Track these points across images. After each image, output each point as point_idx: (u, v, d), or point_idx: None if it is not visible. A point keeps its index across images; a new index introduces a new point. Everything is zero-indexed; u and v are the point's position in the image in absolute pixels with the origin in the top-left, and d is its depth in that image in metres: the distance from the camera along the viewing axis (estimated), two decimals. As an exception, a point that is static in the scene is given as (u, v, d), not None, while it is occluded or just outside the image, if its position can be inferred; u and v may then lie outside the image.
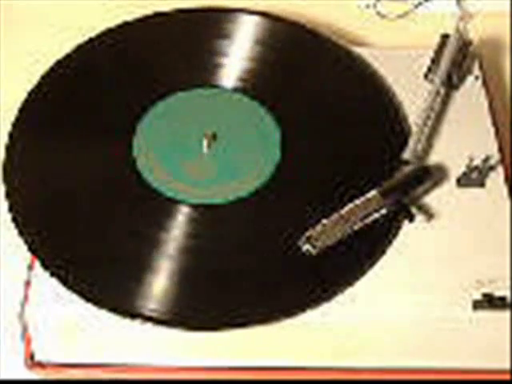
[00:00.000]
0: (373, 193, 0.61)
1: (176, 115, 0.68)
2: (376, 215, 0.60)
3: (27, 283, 0.60)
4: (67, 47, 0.71)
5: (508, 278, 0.59)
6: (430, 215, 0.63)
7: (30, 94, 0.68)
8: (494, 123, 0.69)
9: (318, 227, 0.59)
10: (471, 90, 0.71)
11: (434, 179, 0.64)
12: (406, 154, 0.64)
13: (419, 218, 0.62)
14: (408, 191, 0.61)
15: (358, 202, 0.60)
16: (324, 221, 0.59)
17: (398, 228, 0.62)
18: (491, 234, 0.62)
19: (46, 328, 0.60)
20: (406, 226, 0.62)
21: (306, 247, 0.58)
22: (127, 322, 0.57)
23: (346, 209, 0.60)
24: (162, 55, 0.72)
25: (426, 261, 0.60)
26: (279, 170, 0.65)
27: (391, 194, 0.60)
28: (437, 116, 0.69)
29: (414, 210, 0.61)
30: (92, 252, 0.60)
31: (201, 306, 0.58)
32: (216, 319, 0.57)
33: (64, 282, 0.58)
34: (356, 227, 0.60)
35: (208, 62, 0.71)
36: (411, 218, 0.60)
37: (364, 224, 0.60)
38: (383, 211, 0.60)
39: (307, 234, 0.59)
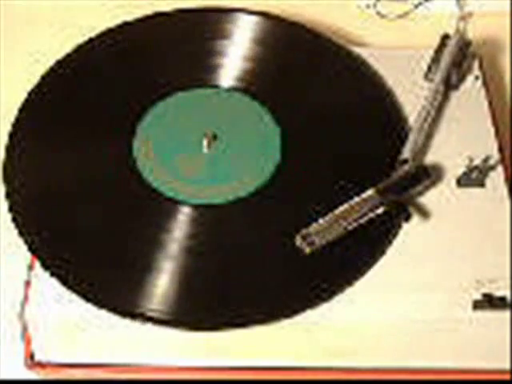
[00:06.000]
0: (370, 192, 0.61)
1: (176, 115, 0.68)
2: (373, 214, 0.60)
3: (27, 283, 0.60)
4: (67, 47, 0.71)
5: (508, 278, 0.59)
6: (426, 214, 0.62)
7: (29, 94, 0.68)
8: (494, 123, 0.69)
9: (315, 225, 0.59)
10: (471, 89, 0.71)
11: (432, 179, 0.64)
12: (405, 154, 0.64)
13: (419, 218, 0.62)
14: (405, 190, 0.61)
15: (355, 200, 0.60)
16: (320, 219, 0.59)
17: (398, 228, 0.62)
18: (491, 234, 0.62)
19: (46, 328, 0.60)
20: (406, 226, 0.62)
21: (302, 245, 0.58)
22: (127, 322, 0.57)
23: (343, 207, 0.60)
24: (162, 55, 0.72)
25: (426, 261, 0.60)
26: (279, 170, 0.65)
27: (388, 193, 0.60)
28: (436, 116, 0.69)
29: (411, 209, 0.61)
30: (92, 252, 0.60)
31: (201, 306, 0.58)
32: (216, 319, 0.57)
33: (64, 282, 0.58)
34: (353, 226, 0.60)
35: (208, 61, 0.71)
36: (408, 218, 0.60)
37: (361, 223, 0.60)
38: (380, 210, 0.60)
39: (303, 232, 0.59)
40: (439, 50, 0.71)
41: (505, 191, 0.64)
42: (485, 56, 0.76)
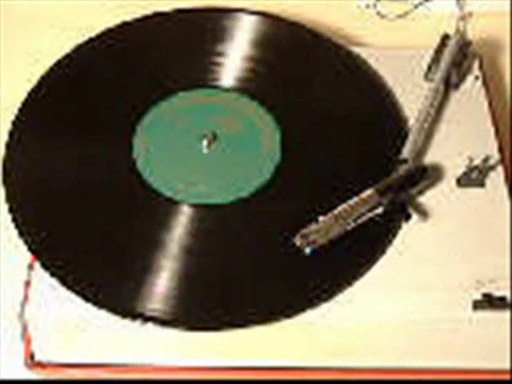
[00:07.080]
0: (369, 191, 0.61)
1: (176, 115, 0.68)
2: (373, 214, 0.60)
3: (27, 283, 0.60)
4: (67, 47, 0.71)
5: (508, 278, 0.59)
6: (425, 214, 0.62)
7: (30, 94, 0.68)
8: (494, 123, 0.69)
9: (315, 225, 0.59)
10: (471, 90, 0.71)
11: (431, 179, 0.64)
12: (405, 154, 0.64)
13: (419, 218, 0.62)
14: (404, 190, 0.61)
15: (354, 200, 0.60)
16: (320, 219, 0.59)
17: (398, 228, 0.62)
18: (491, 234, 0.62)
19: (46, 328, 0.60)
20: (406, 226, 0.62)
21: (302, 245, 0.58)
22: (127, 322, 0.57)
23: (343, 207, 0.60)
24: (161, 55, 0.72)
25: (426, 261, 0.60)
26: (279, 170, 0.65)
27: (388, 193, 0.60)
28: (436, 116, 0.69)
29: (411, 209, 0.61)
30: (92, 252, 0.60)
31: (201, 306, 0.58)
32: (216, 319, 0.57)
33: (64, 282, 0.58)
34: (353, 226, 0.60)
35: (208, 61, 0.71)
36: (407, 218, 0.60)
37: (360, 223, 0.60)
38: (380, 210, 0.60)
39: (303, 231, 0.59)
40: (439, 50, 0.71)
41: (505, 191, 0.64)
42: (485, 56, 0.76)
